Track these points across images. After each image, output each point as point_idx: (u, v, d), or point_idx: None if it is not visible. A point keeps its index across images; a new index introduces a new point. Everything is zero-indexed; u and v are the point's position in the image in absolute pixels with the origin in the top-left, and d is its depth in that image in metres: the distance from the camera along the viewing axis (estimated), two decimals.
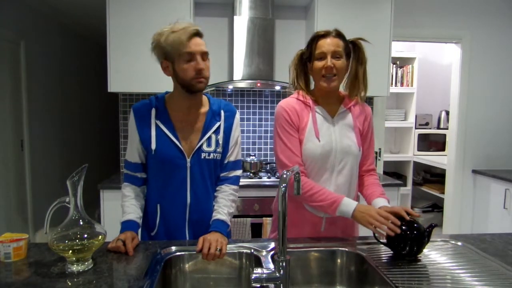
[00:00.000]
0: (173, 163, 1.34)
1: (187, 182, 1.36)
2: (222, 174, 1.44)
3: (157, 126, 1.33)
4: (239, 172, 1.47)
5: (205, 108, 1.39)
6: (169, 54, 1.27)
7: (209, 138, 1.37)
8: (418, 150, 4.17)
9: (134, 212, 1.35)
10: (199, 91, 1.31)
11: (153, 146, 1.32)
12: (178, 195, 1.37)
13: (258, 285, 0.99)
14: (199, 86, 1.29)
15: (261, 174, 2.77)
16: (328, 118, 1.43)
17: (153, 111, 1.34)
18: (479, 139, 3.51)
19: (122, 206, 1.38)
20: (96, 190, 2.42)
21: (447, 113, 4.14)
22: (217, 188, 1.44)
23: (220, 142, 1.38)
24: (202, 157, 1.36)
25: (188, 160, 1.35)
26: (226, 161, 1.43)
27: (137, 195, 1.40)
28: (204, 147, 1.36)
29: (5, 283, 0.98)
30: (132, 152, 1.38)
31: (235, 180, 1.46)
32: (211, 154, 1.37)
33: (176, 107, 1.37)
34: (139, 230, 1.37)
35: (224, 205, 1.39)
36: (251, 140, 3.12)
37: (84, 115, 5.13)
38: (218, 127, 1.38)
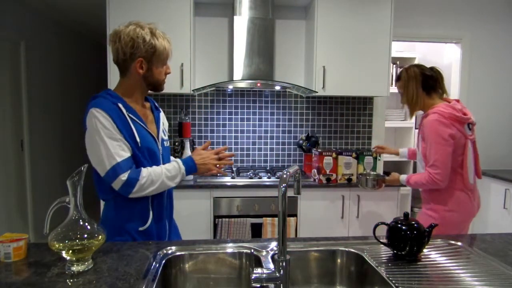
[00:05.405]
0: (153, 151, 1.39)
1: None
2: None
3: (132, 120, 1.34)
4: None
5: (148, 103, 1.51)
6: (151, 56, 1.35)
7: (163, 128, 1.50)
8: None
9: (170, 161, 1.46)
10: (162, 90, 1.48)
11: (138, 139, 1.33)
12: None
13: (258, 285, 0.99)
14: (163, 86, 1.47)
15: (261, 174, 2.77)
16: None
17: (122, 107, 1.33)
18: (479, 139, 3.45)
19: (155, 178, 1.32)
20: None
21: None
22: None
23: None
24: (165, 145, 1.49)
25: (160, 147, 1.43)
26: None
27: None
28: (163, 136, 1.48)
29: (5, 283, 0.98)
30: (123, 148, 1.31)
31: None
32: (167, 142, 1.52)
33: (134, 102, 1.41)
34: (131, 224, 1.36)
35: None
36: (251, 140, 3.12)
37: (84, 115, 5.12)
38: (161, 119, 1.52)
